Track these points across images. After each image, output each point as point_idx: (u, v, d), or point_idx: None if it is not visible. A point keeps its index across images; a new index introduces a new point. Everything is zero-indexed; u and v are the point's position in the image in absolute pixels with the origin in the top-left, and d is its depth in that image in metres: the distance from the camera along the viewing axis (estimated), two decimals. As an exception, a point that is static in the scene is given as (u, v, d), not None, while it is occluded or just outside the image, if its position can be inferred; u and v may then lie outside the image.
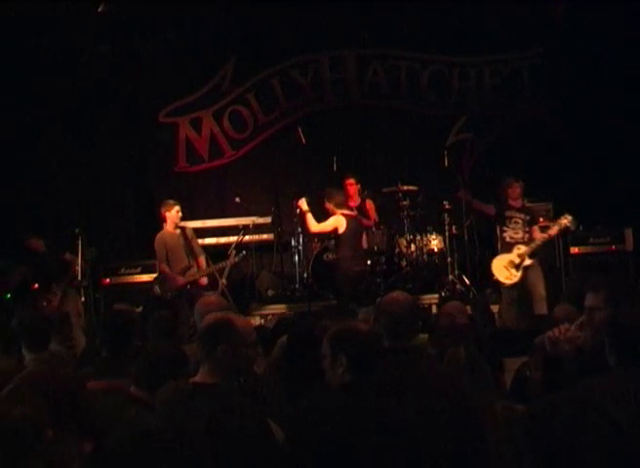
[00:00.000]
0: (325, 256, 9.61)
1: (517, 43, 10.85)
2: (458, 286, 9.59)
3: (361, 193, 10.07)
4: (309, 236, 9.76)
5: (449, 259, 9.77)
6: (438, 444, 2.76)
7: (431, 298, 9.19)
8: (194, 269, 8.73)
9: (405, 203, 9.74)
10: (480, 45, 10.87)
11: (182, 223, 8.94)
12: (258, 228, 10.09)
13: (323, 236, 9.53)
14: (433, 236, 9.93)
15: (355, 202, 10.09)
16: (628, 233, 9.44)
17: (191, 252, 8.78)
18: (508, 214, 8.49)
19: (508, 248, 8.41)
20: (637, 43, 10.03)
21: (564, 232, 8.60)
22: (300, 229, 9.85)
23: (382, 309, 3.42)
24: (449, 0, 10.41)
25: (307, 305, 8.82)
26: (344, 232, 8.60)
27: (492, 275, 8.44)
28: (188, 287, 8.60)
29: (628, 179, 9.93)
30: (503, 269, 8.37)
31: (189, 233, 8.90)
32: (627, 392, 2.86)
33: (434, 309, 8.81)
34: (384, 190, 10.05)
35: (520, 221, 8.44)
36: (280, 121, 11.10)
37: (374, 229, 9.86)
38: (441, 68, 11.07)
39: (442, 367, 3.47)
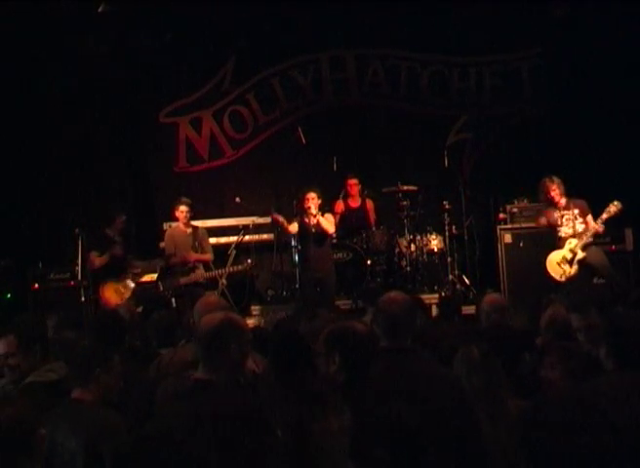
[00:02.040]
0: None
1: (517, 43, 10.84)
2: (458, 286, 9.61)
3: (362, 193, 10.09)
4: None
5: (449, 259, 9.79)
6: (436, 443, 2.76)
7: (431, 298, 9.18)
8: (200, 271, 8.83)
9: (405, 203, 9.75)
10: (480, 45, 10.86)
11: (195, 223, 9.17)
12: (258, 228, 10.13)
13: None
14: (433, 236, 9.93)
15: (356, 202, 10.12)
16: (628, 233, 9.43)
17: (199, 252, 8.88)
18: (557, 214, 8.35)
19: (562, 243, 8.33)
20: (637, 43, 10.03)
21: (614, 218, 8.34)
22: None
23: (381, 309, 3.41)
24: (449, 0, 10.41)
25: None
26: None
27: (548, 274, 8.36)
28: (200, 284, 8.80)
29: (628, 179, 9.92)
30: (557, 266, 8.27)
31: (201, 233, 9.08)
32: (626, 394, 2.86)
33: (434, 309, 8.80)
34: (384, 190, 10.06)
35: (571, 217, 8.31)
36: (280, 121, 11.10)
37: (374, 229, 9.87)
38: (441, 68, 11.06)
39: (440, 367, 3.46)
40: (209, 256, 9.00)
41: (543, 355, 3.55)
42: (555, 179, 8.37)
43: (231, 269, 8.92)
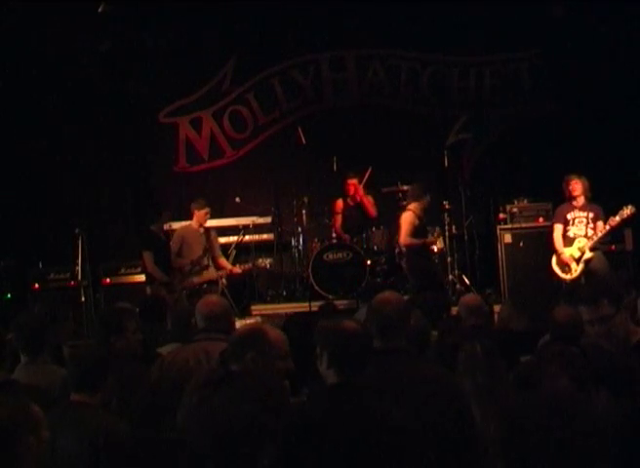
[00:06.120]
0: (325, 256, 9.62)
1: (517, 43, 10.83)
2: (458, 286, 9.61)
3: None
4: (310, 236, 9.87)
5: (449, 259, 9.78)
6: (429, 445, 2.75)
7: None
8: (212, 269, 9.02)
9: (405, 203, 9.73)
10: (480, 45, 10.86)
11: (207, 224, 9.32)
12: (258, 228, 10.14)
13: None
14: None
15: (354, 200, 10.09)
16: (628, 233, 9.42)
17: (210, 252, 9.06)
18: (570, 216, 8.38)
19: (569, 242, 8.35)
20: (637, 43, 10.02)
21: (626, 222, 8.44)
22: (299, 229, 9.91)
23: (374, 309, 3.40)
24: (450, 0, 10.40)
25: (308, 305, 8.84)
26: None
27: (553, 271, 8.35)
28: (204, 285, 8.96)
29: (628, 180, 9.92)
30: (563, 265, 8.30)
31: (212, 234, 9.30)
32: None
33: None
34: (384, 190, 10.06)
35: (584, 220, 8.35)
36: (280, 121, 11.10)
37: (374, 229, 9.88)
38: (441, 68, 11.06)
39: (434, 367, 3.46)
40: (224, 266, 9.37)
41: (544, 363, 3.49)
42: (580, 177, 8.40)
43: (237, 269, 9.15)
